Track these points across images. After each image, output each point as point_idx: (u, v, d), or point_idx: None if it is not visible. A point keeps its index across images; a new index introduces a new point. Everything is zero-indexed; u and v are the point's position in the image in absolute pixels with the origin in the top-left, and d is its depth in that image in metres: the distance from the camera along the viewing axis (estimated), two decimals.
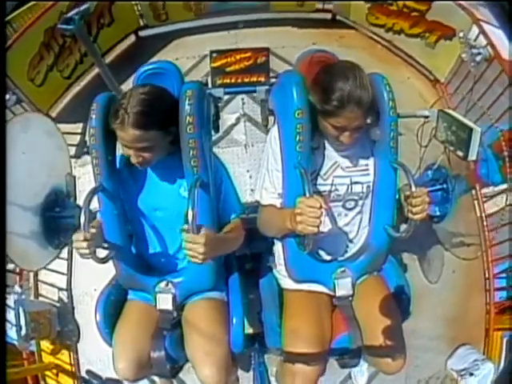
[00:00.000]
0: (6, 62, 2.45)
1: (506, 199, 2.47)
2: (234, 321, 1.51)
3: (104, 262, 1.41)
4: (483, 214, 2.76)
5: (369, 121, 1.36)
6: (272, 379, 2.06)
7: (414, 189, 1.26)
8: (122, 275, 1.52)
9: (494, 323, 2.58)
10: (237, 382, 1.96)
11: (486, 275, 2.73)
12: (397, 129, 1.38)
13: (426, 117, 1.95)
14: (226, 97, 2.41)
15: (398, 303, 1.53)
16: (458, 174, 2.08)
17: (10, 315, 2.36)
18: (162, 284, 1.48)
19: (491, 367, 2.41)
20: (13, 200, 1.70)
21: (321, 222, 1.15)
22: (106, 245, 1.40)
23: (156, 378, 1.98)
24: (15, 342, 2.42)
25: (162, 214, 1.45)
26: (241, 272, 1.68)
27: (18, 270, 2.73)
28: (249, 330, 1.60)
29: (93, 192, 1.36)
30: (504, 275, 2.61)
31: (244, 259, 1.84)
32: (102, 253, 1.39)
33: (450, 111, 1.91)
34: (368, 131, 1.42)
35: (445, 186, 2.09)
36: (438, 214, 2.11)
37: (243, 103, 3.22)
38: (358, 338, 1.45)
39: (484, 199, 2.70)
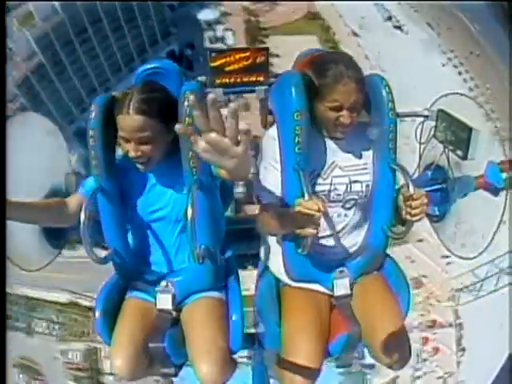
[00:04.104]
0: None
1: None
2: (233, 320, 1.51)
3: (104, 263, 1.41)
4: None
5: (366, 119, 1.37)
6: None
7: (412, 191, 1.26)
8: (121, 275, 1.53)
9: None
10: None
11: None
12: (396, 130, 1.39)
13: (426, 116, 1.95)
14: None
15: (398, 300, 1.53)
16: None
17: None
18: (162, 284, 1.49)
19: None
20: (12, 199, 1.69)
21: (319, 224, 1.15)
22: (105, 245, 1.40)
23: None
24: None
25: (161, 215, 1.45)
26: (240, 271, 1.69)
27: None
28: (248, 330, 1.59)
29: (93, 194, 1.37)
30: None
31: (244, 259, 1.84)
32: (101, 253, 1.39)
33: (450, 111, 1.91)
34: (366, 130, 1.43)
35: (444, 185, 2.08)
36: (437, 213, 2.10)
37: None
38: (357, 338, 1.45)
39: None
